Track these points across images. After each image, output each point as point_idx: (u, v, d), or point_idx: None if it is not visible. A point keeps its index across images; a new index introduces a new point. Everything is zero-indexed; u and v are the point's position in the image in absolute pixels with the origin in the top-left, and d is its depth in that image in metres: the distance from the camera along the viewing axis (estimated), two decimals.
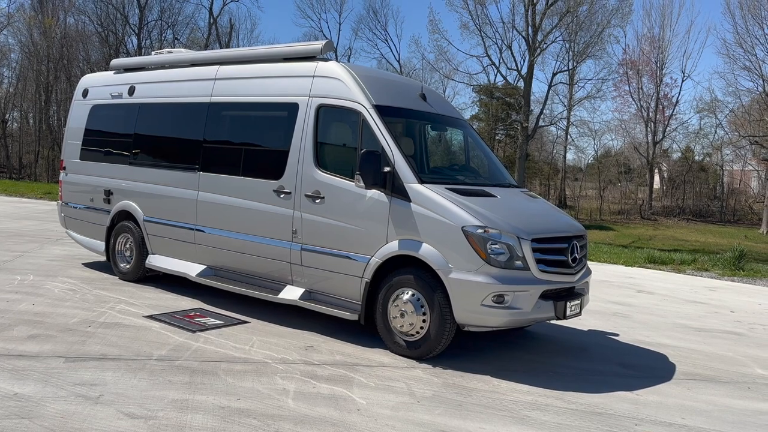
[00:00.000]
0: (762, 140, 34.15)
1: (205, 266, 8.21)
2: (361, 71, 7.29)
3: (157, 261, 8.78)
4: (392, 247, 6.44)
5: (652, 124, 41.85)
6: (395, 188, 6.44)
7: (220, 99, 8.23)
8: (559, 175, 47.81)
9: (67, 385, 5.13)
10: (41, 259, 10.60)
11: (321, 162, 7.08)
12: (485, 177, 7.72)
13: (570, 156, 49.73)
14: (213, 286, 8.05)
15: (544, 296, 6.18)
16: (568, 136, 45.07)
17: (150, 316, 7.37)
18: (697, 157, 46.54)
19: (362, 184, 6.55)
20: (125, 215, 9.22)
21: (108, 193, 9.42)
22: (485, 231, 6.02)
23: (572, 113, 42.23)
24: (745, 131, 36.71)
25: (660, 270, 14.37)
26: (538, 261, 6.16)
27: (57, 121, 43.04)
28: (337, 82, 7.08)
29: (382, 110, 6.80)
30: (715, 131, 42.79)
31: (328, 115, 7.17)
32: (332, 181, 6.90)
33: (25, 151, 43.23)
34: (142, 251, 8.97)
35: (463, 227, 6.05)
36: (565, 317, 6.35)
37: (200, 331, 6.93)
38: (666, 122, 42.48)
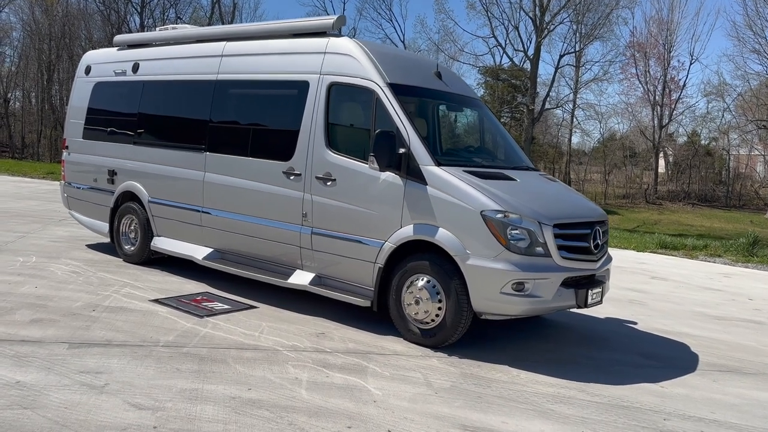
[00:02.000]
0: None
1: (212, 249, 7.99)
2: (374, 48, 7.02)
3: (163, 243, 8.56)
4: (407, 232, 6.20)
5: (659, 107, 41.41)
6: (410, 171, 6.19)
7: (227, 77, 7.96)
8: (564, 158, 47.42)
9: (71, 372, 4.93)
10: (44, 240, 10.38)
11: (332, 143, 6.82)
12: (502, 159, 7.47)
13: (575, 139, 49.36)
14: (220, 269, 7.83)
15: (565, 284, 5.95)
16: (574, 119, 44.63)
17: (156, 300, 7.16)
18: (703, 142, 46.13)
19: (376, 166, 6.29)
20: (130, 196, 8.99)
21: (112, 173, 9.18)
22: (505, 216, 5.78)
23: (578, 96, 41.77)
24: (752, 115, 36.30)
25: (672, 255, 14.14)
26: (560, 247, 5.92)
27: (59, 101, 42.59)
28: (349, 59, 6.80)
29: (396, 89, 6.54)
30: (723, 115, 42.34)
31: (340, 93, 6.90)
32: (344, 163, 6.65)
33: (28, 130, 42.85)
34: (147, 233, 8.75)
35: (482, 212, 5.81)
36: (586, 306, 6.14)
37: (208, 316, 6.72)
38: (673, 106, 42.03)
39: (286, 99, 7.41)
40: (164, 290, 7.64)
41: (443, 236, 5.98)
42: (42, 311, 6.48)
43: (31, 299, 6.89)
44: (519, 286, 5.73)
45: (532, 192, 6.45)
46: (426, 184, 6.10)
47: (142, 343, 5.75)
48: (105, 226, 9.35)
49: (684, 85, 42.68)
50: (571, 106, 41.93)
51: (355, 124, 7.09)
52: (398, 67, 6.91)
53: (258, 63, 7.67)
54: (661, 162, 46.01)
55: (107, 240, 9.54)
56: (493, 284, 5.74)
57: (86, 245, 10.18)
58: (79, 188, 9.81)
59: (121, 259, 9.15)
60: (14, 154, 39.79)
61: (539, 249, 5.83)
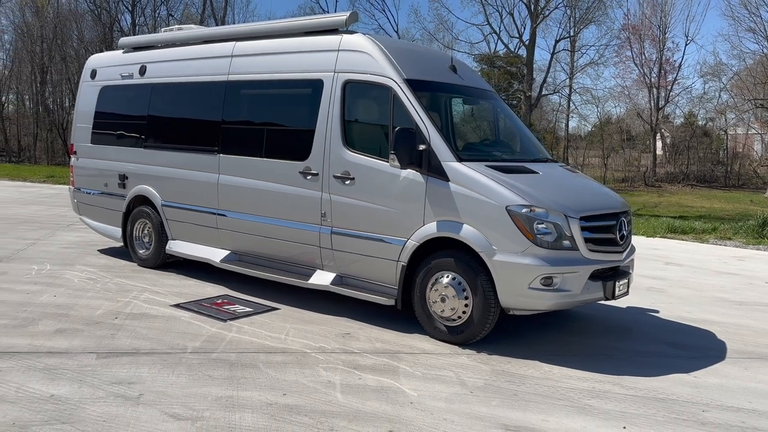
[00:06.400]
0: (767, 103, 33.71)
1: (229, 251, 7.94)
2: (389, 43, 6.95)
3: (178, 247, 8.50)
4: (430, 229, 6.16)
5: (655, 89, 41.33)
6: (432, 167, 6.13)
7: (238, 77, 7.88)
8: (561, 143, 47.30)
9: (104, 384, 4.89)
10: (55, 247, 10.32)
11: (349, 141, 6.76)
12: (522, 152, 7.40)
13: (572, 123, 49.29)
14: (238, 272, 7.78)
15: (593, 276, 5.92)
16: (571, 104, 44.54)
17: (177, 305, 7.12)
18: (700, 122, 46.06)
19: (397, 163, 6.23)
20: (142, 200, 8.92)
21: (123, 177, 9.11)
22: (531, 210, 5.73)
23: (574, 81, 41.65)
24: (749, 94, 36.26)
25: (682, 240, 14.11)
26: (587, 240, 5.88)
27: (54, 103, 42.44)
28: (364, 56, 6.73)
29: (413, 85, 6.47)
30: (719, 95, 42.28)
31: (356, 91, 6.83)
32: (363, 162, 6.59)
33: (23, 133, 42.64)
34: (162, 237, 8.68)
35: (507, 207, 5.76)
36: (614, 297, 6.11)
37: (231, 319, 6.68)
38: (669, 87, 41.96)
39: (300, 98, 7.34)
40: (183, 294, 7.60)
41: (468, 233, 5.94)
42: (64, 321, 6.43)
43: (51, 309, 6.84)
44: (547, 281, 5.70)
45: (556, 185, 6.41)
46: (448, 180, 6.05)
47: (170, 350, 5.70)
48: (117, 230, 9.29)
49: (680, 66, 42.52)
50: (567, 91, 41.88)
51: (372, 121, 7.02)
52: (413, 62, 6.85)
53: (270, 62, 7.58)
54: (659, 144, 45.95)
55: (119, 245, 9.49)
56: (522, 279, 5.71)
57: (98, 250, 10.13)
58: (90, 193, 9.73)
59: (135, 264, 9.09)
60: (11, 158, 39.58)
61: (566, 242, 5.79)
